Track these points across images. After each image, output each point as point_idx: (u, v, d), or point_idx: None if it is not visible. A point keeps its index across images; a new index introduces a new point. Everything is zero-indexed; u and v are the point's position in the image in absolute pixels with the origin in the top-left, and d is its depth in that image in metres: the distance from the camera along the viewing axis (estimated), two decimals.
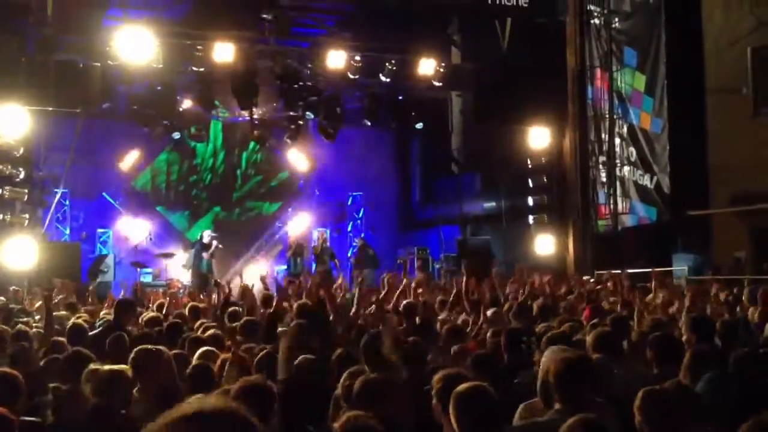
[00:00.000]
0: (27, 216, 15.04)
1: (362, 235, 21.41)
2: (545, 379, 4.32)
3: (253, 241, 21.34)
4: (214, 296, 11.31)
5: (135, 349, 5.47)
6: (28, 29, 15.16)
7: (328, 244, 20.28)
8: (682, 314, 7.67)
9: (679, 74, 18.11)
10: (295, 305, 8.05)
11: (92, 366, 5.24)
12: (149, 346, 5.56)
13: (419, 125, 20.31)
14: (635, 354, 6.07)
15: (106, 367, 5.14)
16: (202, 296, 12.34)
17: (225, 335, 7.04)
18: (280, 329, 7.24)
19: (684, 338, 6.21)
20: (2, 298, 11.42)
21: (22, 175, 14.84)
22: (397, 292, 9.32)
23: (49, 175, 17.21)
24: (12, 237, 14.13)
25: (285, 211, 22.09)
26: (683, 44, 18.02)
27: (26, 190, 15.00)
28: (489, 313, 7.94)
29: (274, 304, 8.37)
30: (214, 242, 18.70)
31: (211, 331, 7.39)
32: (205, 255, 18.50)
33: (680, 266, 16.45)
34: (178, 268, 19.07)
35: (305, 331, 6.35)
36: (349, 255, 21.38)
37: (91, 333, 7.60)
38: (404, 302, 8.69)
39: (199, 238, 19.09)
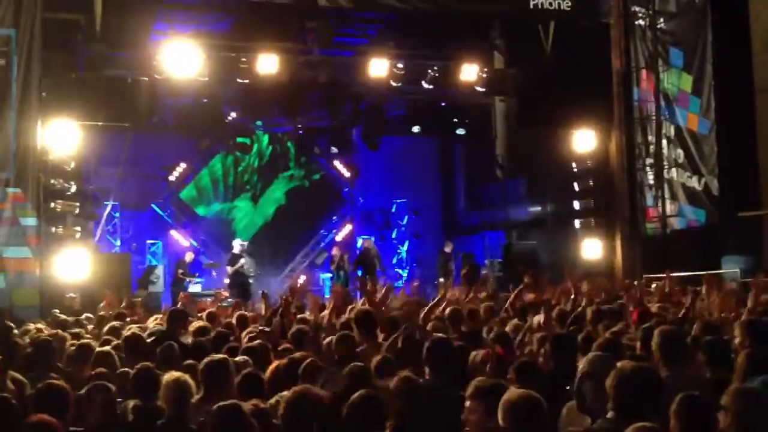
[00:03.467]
0: (78, 228, 15.30)
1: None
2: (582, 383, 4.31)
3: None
4: (260, 306, 11.31)
5: (205, 361, 5.46)
6: (78, 46, 15.45)
7: (375, 251, 20.07)
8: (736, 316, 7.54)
9: (727, 74, 17.80)
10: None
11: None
12: (217, 356, 5.59)
13: (462, 131, 20.21)
14: (687, 358, 5.97)
15: (175, 374, 5.13)
16: (251, 306, 12.41)
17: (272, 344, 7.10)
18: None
19: (737, 341, 6.11)
20: (57, 310, 11.63)
21: (73, 189, 15.10)
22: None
23: (99, 188, 17.54)
24: (64, 249, 14.42)
25: (332, 216, 22.13)
26: (730, 44, 17.72)
27: (77, 203, 15.25)
28: (537, 319, 7.87)
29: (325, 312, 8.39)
30: (243, 257, 18.50)
31: (259, 341, 7.46)
32: (232, 267, 18.40)
33: (731, 269, 16.15)
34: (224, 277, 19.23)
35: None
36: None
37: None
38: (450, 309, 8.64)
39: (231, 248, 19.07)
